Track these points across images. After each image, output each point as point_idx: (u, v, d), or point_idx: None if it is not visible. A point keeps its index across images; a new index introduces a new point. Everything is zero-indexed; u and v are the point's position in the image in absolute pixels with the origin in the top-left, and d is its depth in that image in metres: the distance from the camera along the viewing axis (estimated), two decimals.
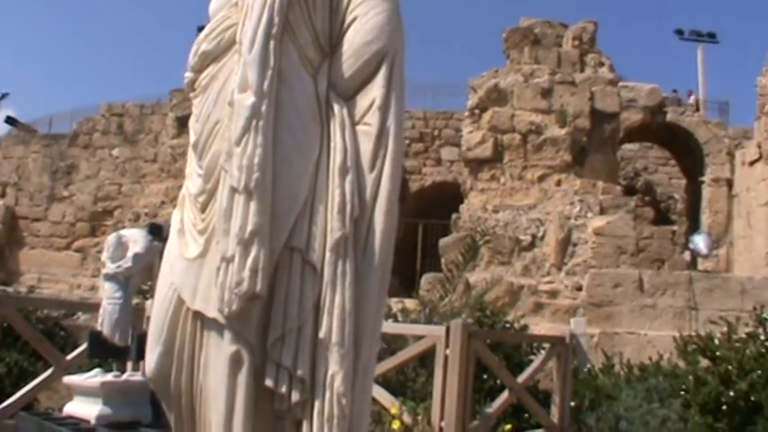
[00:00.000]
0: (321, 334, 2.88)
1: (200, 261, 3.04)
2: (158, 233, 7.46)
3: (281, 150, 2.97)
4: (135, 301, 8.08)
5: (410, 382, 10.08)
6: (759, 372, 9.48)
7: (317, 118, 3.09)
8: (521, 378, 9.75)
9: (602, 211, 18.11)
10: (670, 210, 28.40)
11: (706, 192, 23.19)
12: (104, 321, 7.30)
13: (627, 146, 26.25)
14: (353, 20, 3.17)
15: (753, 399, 9.35)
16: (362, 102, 3.12)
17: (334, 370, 2.85)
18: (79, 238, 28.85)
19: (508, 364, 10.17)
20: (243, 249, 2.86)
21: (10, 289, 21.78)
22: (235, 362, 2.89)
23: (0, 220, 29.39)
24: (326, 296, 2.90)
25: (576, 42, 20.33)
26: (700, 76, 36.92)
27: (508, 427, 9.41)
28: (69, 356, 8.52)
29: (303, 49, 3.14)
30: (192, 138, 3.23)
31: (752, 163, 20.97)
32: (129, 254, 7.46)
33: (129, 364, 7.71)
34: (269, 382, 2.88)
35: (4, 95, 39.13)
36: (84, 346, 8.23)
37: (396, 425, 8.49)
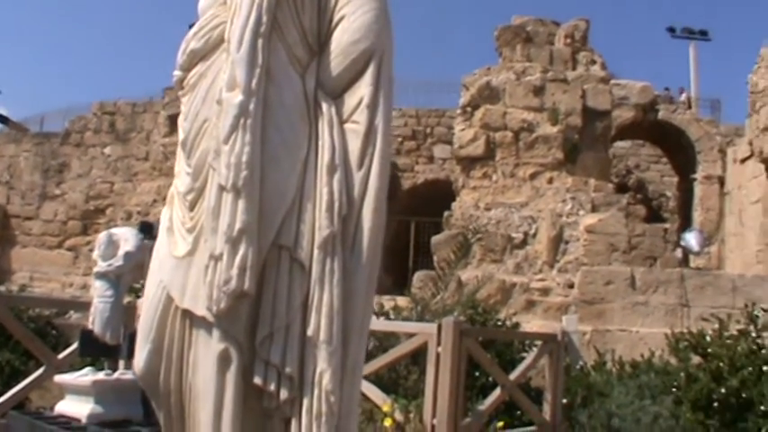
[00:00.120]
0: (309, 332, 2.89)
1: (188, 259, 3.05)
2: (149, 231, 7.45)
3: (270, 149, 2.98)
4: (127, 299, 8.06)
5: (402, 380, 10.09)
6: (750, 368, 9.51)
7: (305, 116, 3.10)
8: (513, 375, 9.77)
9: (594, 209, 18.13)
10: (662, 207, 28.47)
11: (698, 189, 23.27)
12: (95, 320, 7.28)
13: (619, 143, 26.31)
14: (341, 18, 3.18)
15: (744, 395, 9.38)
16: (350, 100, 3.13)
17: (323, 367, 2.86)
18: (71, 237, 28.84)
19: (500, 362, 10.19)
20: (231, 247, 2.86)
21: (1, 288, 21.71)
22: (223, 360, 2.90)
23: None
24: (315, 294, 2.91)
25: (568, 40, 20.34)
26: (692, 74, 36.98)
27: (500, 424, 9.42)
28: (61, 355, 8.49)
29: (291, 47, 3.14)
30: (181, 136, 3.24)
31: (743, 160, 21.03)
32: (121, 252, 7.44)
33: (121, 363, 7.69)
34: (257, 380, 2.89)
35: None
36: (75, 345, 8.21)
37: (388, 422, 8.50)
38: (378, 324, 10.58)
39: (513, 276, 17.37)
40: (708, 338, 10.24)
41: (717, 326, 10.37)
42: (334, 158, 3.00)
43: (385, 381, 9.76)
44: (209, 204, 2.97)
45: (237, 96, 2.96)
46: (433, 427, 8.30)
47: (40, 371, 8.31)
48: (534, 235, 18.03)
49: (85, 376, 7.23)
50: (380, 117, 3.08)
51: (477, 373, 10.12)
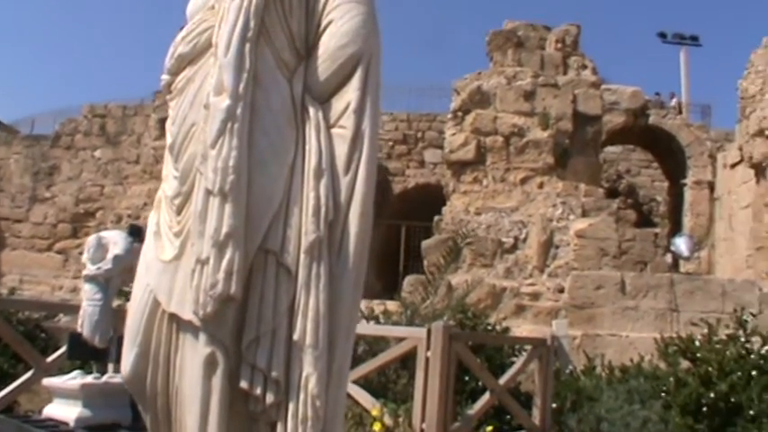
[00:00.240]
0: (295, 336, 2.89)
1: (175, 263, 3.05)
2: (138, 235, 7.45)
3: (257, 153, 2.98)
4: (116, 302, 8.06)
5: (391, 384, 10.09)
6: (739, 373, 9.53)
7: (292, 121, 3.10)
8: (502, 380, 9.77)
9: (585, 214, 18.16)
10: (652, 212, 28.52)
11: (688, 194, 23.34)
12: (84, 323, 7.28)
13: (610, 148, 26.36)
14: (329, 23, 3.19)
15: (733, 400, 9.40)
16: (338, 105, 3.14)
17: (309, 372, 2.86)
18: (61, 240, 28.74)
19: (490, 366, 10.19)
20: (218, 251, 2.87)
21: None
22: (210, 364, 2.90)
23: None
24: (301, 298, 2.91)
25: (559, 45, 20.38)
26: (682, 79, 37.07)
27: (489, 428, 9.42)
28: (49, 358, 8.47)
29: (279, 52, 3.15)
30: (169, 140, 3.24)
31: (733, 166, 21.10)
32: (110, 255, 7.45)
33: (110, 366, 7.68)
34: (244, 384, 2.89)
35: None
36: (64, 348, 8.19)
37: (377, 427, 8.50)
38: (367, 328, 10.59)
39: (504, 281, 17.38)
40: (697, 343, 10.26)
41: (706, 331, 10.39)
42: (320, 163, 3.01)
43: (374, 385, 9.76)
44: (196, 208, 2.97)
45: (225, 101, 2.97)
46: (422, 431, 8.30)
47: (29, 374, 8.30)
48: (524, 240, 18.06)
49: (74, 380, 7.22)
50: (367, 122, 3.09)
51: (466, 378, 10.13)
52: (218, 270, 2.86)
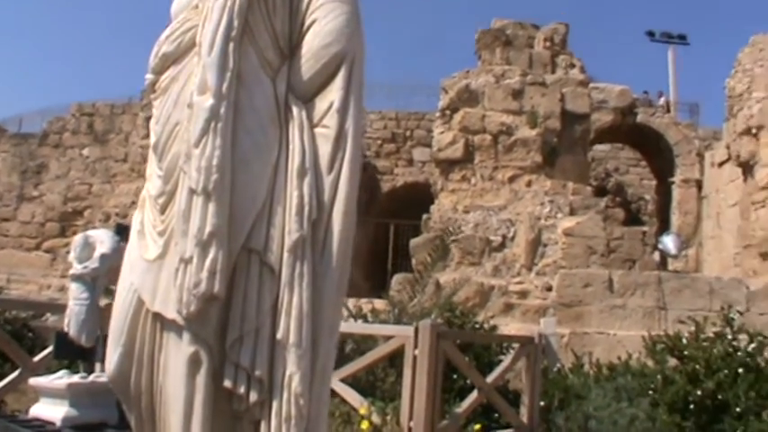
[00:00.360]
0: (279, 335, 2.90)
1: (159, 262, 3.05)
2: (126, 234, 7.40)
3: (240, 152, 2.99)
4: (104, 301, 8.02)
5: (379, 383, 10.10)
6: (726, 371, 9.58)
7: (275, 120, 3.11)
8: (490, 378, 9.78)
9: (573, 212, 18.20)
10: (641, 210, 28.58)
11: (676, 193, 23.39)
12: (71, 322, 7.25)
13: (598, 147, 26.40)
14: (313, 22, 3.19)
15: (720, 397, 9.44)
16: (321, 104, 3.15)
17: (292, 370, 2.87)
18: (49, 239, 28.64)
19: (478, 365, 10.20)
20: (201, 251, 2.87)
21: None
22: (193, 363, 2.91)
23: None
24: (284, 297, 2.92)
25: (548, 44, 20.42)
26: (670, 78, 37.14)
27: (477, 426, 9.43)
28: (36, 358, 8.45)
29: (262, 51, 3.16)
30: (153, 139, 3.25)
31: (721, 164, 21.17)
32: (96, 254, 7.42)
33: (97, 366, 7.65)
34: (227, 383, 2.90)
35: None
36: (51, 348, 8.16)
37: (365, 425, 8.50)
38: (355, 327, 10.60)
39: (492, 279, 17.40)
40: (684, 341, 10.30)
41: (693, 328, 10.43)
42: (304, 162, 3.02)
43: (362, 383, 9.76)
44: (180, 207, 2.97)
45: (208, 100, 2.97)
46: (409, 429, 8.31)
47: (16, 374, 8.27)
48: (512, 238, 18.08)
49: (60, 379, 7.18)
50: (351, 121, 3.10)
51: (454, 376, 10.13)
52: (202, 269, 2.86)
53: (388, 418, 8.61)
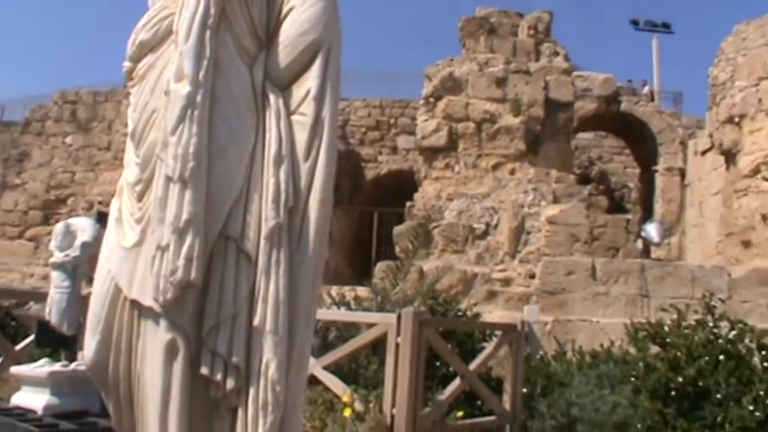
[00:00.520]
0: (255, 322, 2.92)
1: (136, 250, 3.06)
2: (107, 221, 7.39)
3: (217, 140, 3.00)
4: (87, 290, 8.00)
5: (362, 370, 10.11)
6: (707, 358, 9.61)
7: (252, 108, 3.11)
8: (473, 365, 9.79)
9: (556, 200, 18.22)
10: (624, 198, 28.69)
11: (659, 181, 23.49)
12: (52, 310, 7.23)
13: (582, 135, 26.48)
14: (290, 10, 3.20)
15: (700, 384, 9.48)
16: (298, 91, 3.16)
17: (269, 357, 2.88)
18: (32, 227, 28.51)
19: (461, 352, 10.21)
20: (178, 238, 2.88)
21: None
22: (170, 350, 2.92)
23: None
24: (261, 284, 2.93)
25: (532, 32, 20.41)
26: (654, 66, 37.18)
27: (460, 413, 9.46)
28: (18, 346, 8.45)
29: (240, 39, 3.16)
30: (130, 127, 3.25)
31: (704, 153, 21.27)
32: (77, 243, 7.39)
33: (79, 354, 7.63)
34: (204, 370, 2.91)
35: None
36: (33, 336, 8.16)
37: (347, 412, 8.51)
38: (338, 314, 10.61)
39: (475, 267, 17.41)
40: (666, 328, 10.33)
41: (675, 316, 10.46)
42: (281, 150, 3.03)
43: (345, 371, 9.77)
44: (157, 195, 2.98)
45: (185, 88, 2.98)
46: (392, 416, 8.32)
47: None
48: (496, 226, 18.08)
49: (42, 367, 7.17)
50: (327, 109, 3.11)
51: (437, 363, 10.14)
52: (179, 256, 2.87)
53: (371, 405, 8.61)
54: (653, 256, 20.53)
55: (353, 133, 28.15)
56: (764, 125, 17.37)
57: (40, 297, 10.61)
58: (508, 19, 20.76)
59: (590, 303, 15.29)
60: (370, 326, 9.25)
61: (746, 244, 17.38)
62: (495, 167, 18.62)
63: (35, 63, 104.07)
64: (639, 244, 19.69)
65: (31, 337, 8.27)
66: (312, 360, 8.40)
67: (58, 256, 7.36)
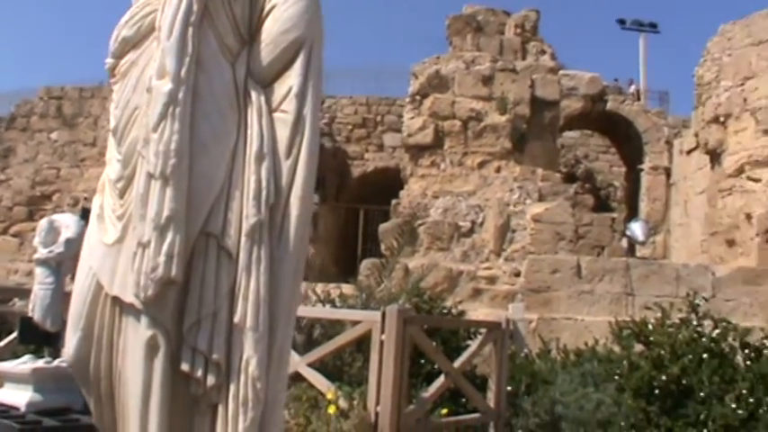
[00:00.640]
0: (236, 319, 2.93)
1: (117, 246, 3.06)
2: None
3: (198, 137, 3.00)
4: (71, 286, 7.98)
5: (347, 368, 10.09)
6: (690, 356, 9.65)
7: (234, 105, 3.12)
8: (457, 363, 9.79)
9: (541, 198, 18.25)
10: (610, 197, 28.75)
11: (645, 180, 23.55)
12: (36, 307, 7.22)
13: (568, 133, 26.50)
14: (273, 8, 3.21)
15: (684, 382, 9.52)
16: (280, 89, 3.16)
17: (249, 354, 2.89)
18: (17, 223, 28.36)
19: (445, 349, 10.21)
20: (159, 235, 2.88)
21: None
22: (151, 347, 2.93)
23: None
24: (242, 281, 2.94)
25: (519, 30, 20.43)
26: (641, 66, 37.38)
27: (444, 411, 9.46)
28: (1, 343, 8.42)
29: (222, 36, 3.17)
30: (112, 123, 3.25)
31: (689, 152, 21.33)
32: (61, 239, 7.38)
33: (63, 351, 7.60)
34: (185, 367, 2.92)
35: None
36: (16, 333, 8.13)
37: (331, 410, 8.50)
38: (323, 312, 10.59)
39: (460, 264, 17.43)
40: (650, 327, 10.36)
41: (659, 314, 10.50)
42: (262, 147, 3.04)
43: (329, 368, 9.76)
44: (138, 192, 2.99)
45: (167, 84, 2.98)
46: (376, 414, 8.32)
47: None
48: (481, 224, 18.09)
49: (25, 364, 7.15)
50: (309, 106, 3.11)
51: (421, 361, 10.14)
52: (159, 253, 2.88)
53: (355, 402, 8.61)
54: (638, 254, 20.59)
55: (340, 130, 28.14)
56: (749, 125, 17.45)
57: (25, 293, 10.57)
58: (495, 17, 20.78)
59: (575, 301, 15.32)
60: (355, 323, 9.24)
61: (731, 243, 17.44)
62: (481, 165, 18.63)
63: (20, 58, 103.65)
64: (624, 242, 19.74)
65: (15, 334, 8.24)
66: (297, 357, 8.41)
67: (41, 253, 7.34)
